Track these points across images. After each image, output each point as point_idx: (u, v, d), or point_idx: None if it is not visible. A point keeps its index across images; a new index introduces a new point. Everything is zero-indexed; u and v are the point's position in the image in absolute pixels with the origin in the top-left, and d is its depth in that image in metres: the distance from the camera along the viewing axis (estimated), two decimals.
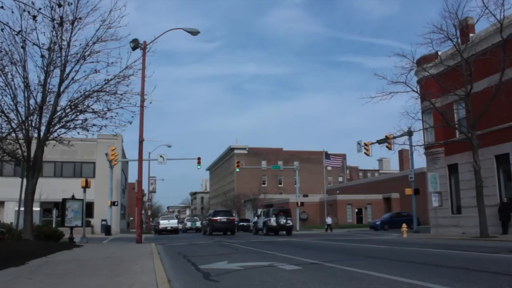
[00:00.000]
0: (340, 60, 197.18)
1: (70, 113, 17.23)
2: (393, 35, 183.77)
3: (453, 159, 25.36)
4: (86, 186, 23.29)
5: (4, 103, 16.45)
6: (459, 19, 20.50)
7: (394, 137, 29.67)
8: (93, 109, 17.31)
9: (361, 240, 20.83)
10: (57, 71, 16.81)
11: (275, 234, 32.44)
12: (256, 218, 39.57)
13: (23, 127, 16.80)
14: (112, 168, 39.68)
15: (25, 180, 16.33)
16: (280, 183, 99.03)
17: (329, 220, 41.55)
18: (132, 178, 66.32)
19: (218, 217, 34.93)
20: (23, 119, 16.73)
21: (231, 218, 35.75)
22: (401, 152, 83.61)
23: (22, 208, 16.39)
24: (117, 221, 44.36)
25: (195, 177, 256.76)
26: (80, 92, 17.08)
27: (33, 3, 12.52)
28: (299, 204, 47.76)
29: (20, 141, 17.20)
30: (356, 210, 64.00)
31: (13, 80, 16.38)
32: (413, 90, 22.69)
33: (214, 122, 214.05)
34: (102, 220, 40.72)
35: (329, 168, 78.76)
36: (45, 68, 16.42)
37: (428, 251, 12.91)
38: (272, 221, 32.64)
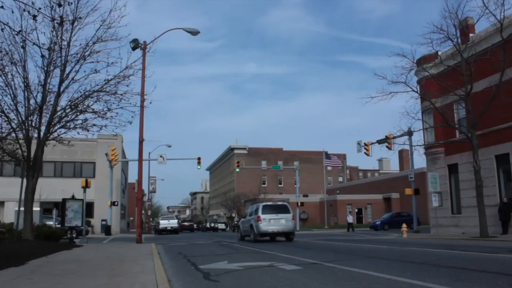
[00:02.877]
0: (341, 60, 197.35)
1: (70, 113, 17.25)
2: (394, 34, 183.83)
3: (453, 159, 25.36)
4: (86, 186, 23.28)
5: (4, 103, 16.50)
6: (459, 19, 20.49)
7: (394, 137, 29.66)
8: (93, 109, 17.35)
9: (361, 240, 20.84)
10: (57, 71, 16.85)
11: (214, 231, 57.18)
12: (206, 223, 66.50)
13: (23, 127, 16.81)
14: (112, 168, 39.67)
15: (25, 180, 16.33)
16: (280, 183, 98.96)
17: (350, 219, 41.21)
18: (132, 178, 66.40)
19: (184, 223, 61.51)
20: (23, 119, 16.74)
21: (191, 223, 63.42)
22: (401, 152, 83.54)
23: (22, 208, 16.39)
24: (117, 221, 44.36)
25: (195, 177, 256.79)
26: (80, 92, 17.12)
27: (33, 3, 12.56)
28: (299, 204, 47.72)
29: (20, 141, 17.21)
30: (356, 210, 63.99)
31: (13, 80, 16.42)
32: (413, 90, 22.70)
33: (214, 122, 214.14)
34: (102, 220, 40.73)
35: (329, 168, 78.75)
36: (45, 68, 16.44)
37: (428, 251, 12.91)
38: (208, 225, 62.32)
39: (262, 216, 20.51)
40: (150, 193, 69.11)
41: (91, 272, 8.30)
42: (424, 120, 25.43)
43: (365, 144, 33.39)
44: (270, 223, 20.44)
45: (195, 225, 64.41)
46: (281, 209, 21.29)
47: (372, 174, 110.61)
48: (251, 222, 21.38)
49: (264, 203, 22.65)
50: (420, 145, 26.48)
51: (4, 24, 10.05)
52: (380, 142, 31.53)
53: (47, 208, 35.32)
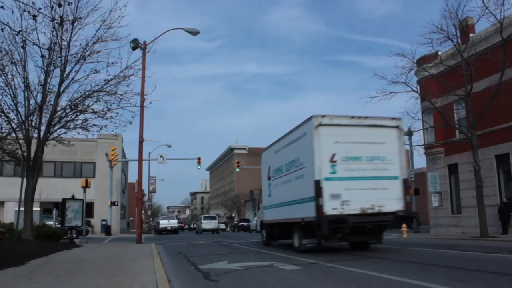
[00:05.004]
0: (341, 60, 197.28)
1: (70, 113, 17.27)
2: (394, 34, 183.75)
3: (453, 159, 25.35)
4: (86, 186, 23.27)
5: (4, 103, 16.51)
6: (459, 19, 20.46)
7: None
8: (93, 109, 17.37)
9: None
10: (57, 71, 16.87)
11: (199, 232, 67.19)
12: (192, 224, 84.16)
13: (23, 127, 16.82)
14: (112, 168, 39.66)
15: (25, 180, 16.33)
16: None
17: None
18: (132, 178, 66.25)
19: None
20: (23, 119, 16.75)
21: (181, 224, 71.87)
22: None
23: (22, 208, 16.39)
24: (117, 221, 44.37)
25: (195, 177, 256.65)
26: (80, 92, 17.14)
27: (33, 3, 12.59)
28: None
29: (20, 141, 17.22)
30: None
31: (13, 80, 16.45)
32: (413, 90, 22.65)
33: (214, 122, 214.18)
34: (102, 220, 40.73)
35: None
36: (45, 68, 16.45)
37: (428, 251, 12.91)
38: (192, 225, 79.33)
39: (202, 221, 45.44)
40: (150, 193, 69.11)
41: (91, 272, 8.30)
42: (424, 120, 25.43)
43: None
44: (206, 224, 44.33)
45: (185, 226, 79.35)
46: (212, 218, 47.00)
47: None
48: (198, 224, 46.76)
49: (205, 215, 49.83)
50: (420, 145, 26.51)
51: (4, 24, 10.07)
52: None
53: (47, 208, 35.34)
